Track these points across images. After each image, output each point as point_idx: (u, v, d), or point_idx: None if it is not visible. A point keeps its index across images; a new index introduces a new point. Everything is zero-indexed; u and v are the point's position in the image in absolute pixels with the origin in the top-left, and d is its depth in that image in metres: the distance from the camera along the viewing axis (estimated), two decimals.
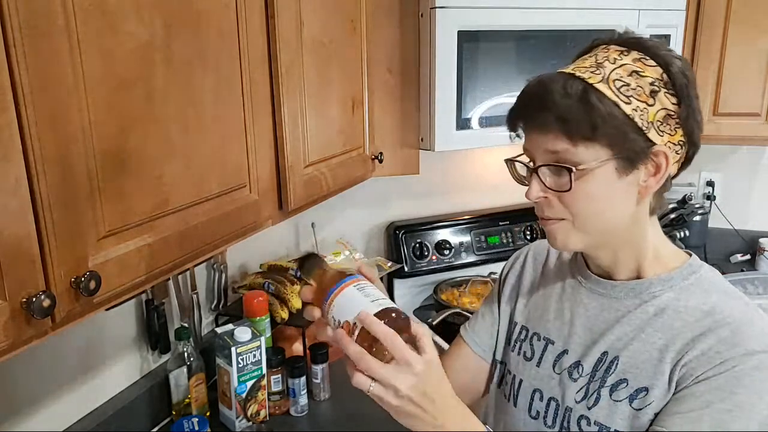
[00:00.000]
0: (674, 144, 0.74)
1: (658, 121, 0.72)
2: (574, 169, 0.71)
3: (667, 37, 1.83)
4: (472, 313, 1.67)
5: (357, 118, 1.42)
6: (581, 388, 0.80)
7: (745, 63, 1.93)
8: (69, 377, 1.21)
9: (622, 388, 0.77)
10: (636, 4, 1.74)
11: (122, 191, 0.74)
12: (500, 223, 2.16)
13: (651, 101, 0.71)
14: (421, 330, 0.70)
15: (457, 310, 1.85)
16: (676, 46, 1.86)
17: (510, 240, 2.15)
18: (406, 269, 2.03)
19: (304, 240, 1.93)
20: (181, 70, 0.83)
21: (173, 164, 0.83)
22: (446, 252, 2.08)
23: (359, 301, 0.68)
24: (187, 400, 1.41)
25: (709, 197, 2.32)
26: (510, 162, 0.82)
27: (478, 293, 2.02)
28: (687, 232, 2.18)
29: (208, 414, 1.43)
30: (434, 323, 1.83)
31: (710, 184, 2.33)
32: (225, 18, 0.92)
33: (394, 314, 0.67)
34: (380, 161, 1.55)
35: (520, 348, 0.91)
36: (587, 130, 0.70)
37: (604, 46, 0.76)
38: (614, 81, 0.71)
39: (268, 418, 1.41)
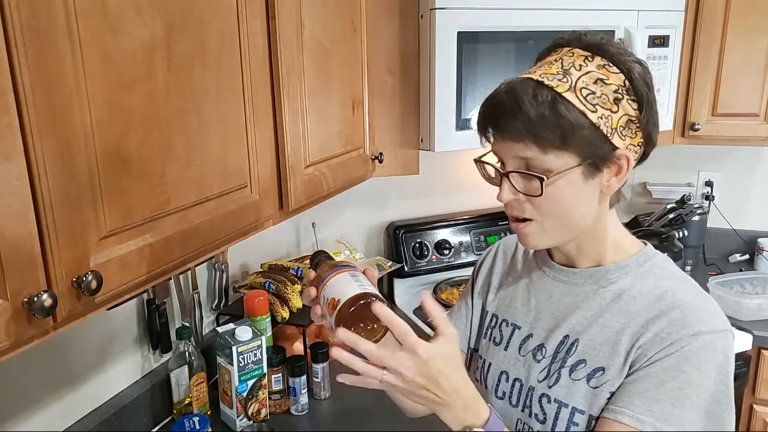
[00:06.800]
0: (634, 146, 0.78)
1: (620, 126, 0.76)
2: (545, 178, 0.75)
3: (666, 38, 1.84)
4: None
5: (357, 118, 1.43)
6: (544, 369, 0.85)
7: (743, 63, 1.93)
8: (70, 376, 1.21)
9: (581, 368, 0.81)
10: (635, 4, 1.74)
11: (123, 191, 0.75)
12: (499, 223, 2.16)
13: (615, 108, 0.75)
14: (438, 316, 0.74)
15: None
16: (675, 46, 1.87)
17: None
18: (406, 269, 2.04)
19: (305, 240, 1.94)
20: (182, 71, 0.83)
21: (174, 164, 0.83)
22: (446, 252, 2.08)
23: (348, 284, 0.74)
24: (188, 399, 1.41)
25: (708, 197, 2.32)
26: (479, 162, 0.85)
27: None
28: (686, 232, 2.18)
29: (209, 413, 1.43)
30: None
31: (709, 184, 2.33)
32: (226, 19, 0.92)
33: (374, 298, 0.72)
34: (380, 161, 1.56)
35: (490, 335, 0.96)
36: (557, 139, 0.74)
37: (569, 49, 0.79)
38: (581, 89, 0.74)
39: (268, 417, 1.42)
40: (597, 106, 0.74)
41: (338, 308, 0.72)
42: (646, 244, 0.87)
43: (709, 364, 0.73)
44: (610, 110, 0.75)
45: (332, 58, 1.27)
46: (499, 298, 0.98)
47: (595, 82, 0.75)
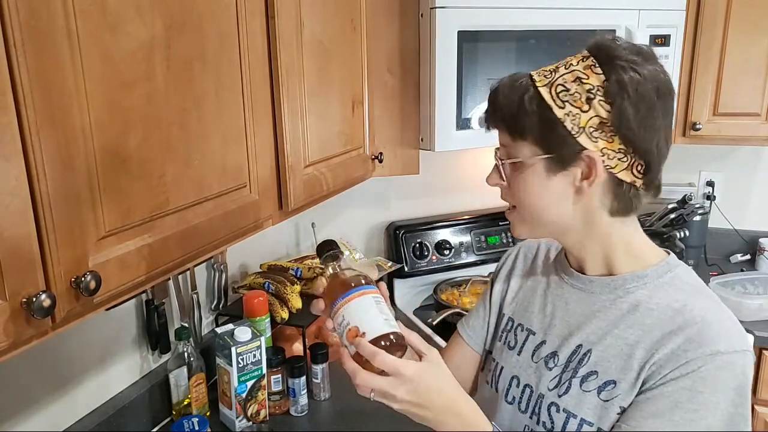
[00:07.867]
0: (614, 151, 0.75)
1: (591, 127, 0.75)
2: (507, 161, 0.82)
3: (667, 37, 1.83)
4: None
5: (357, 118, 1.42)
6: (555, 377, 0.84)
7: (744, 63, 1.93)
8: (69, 377, 1.21)
9: (592, 380, 0.80)
10: (636, 4, 1.74)
11: (122, 191, 0.74)
12: (500, 223, 2.16)
13: (586, 107, 0.75)
14: (416, 340, 0.76)
15: (457, 310, 1.85)
16: (676, 46, 1.86)
17: (510, 240, 2.15)
18: (406, 269, 2.03)
19: (304, 240, 1.94)
20: (182, 71, 0.83)
21: (173, 164, 0.83)
22: (446, 252, 2.08)
23: (374, 315, 0.74)
24: (187, 400, 1.41)
25: (709, 197, 2.32)
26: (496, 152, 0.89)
27: (477, 293, 2.02)
28: (687, 232, 2.18)
29: (208, 414, 1.43)
30: (434, 323, 1.83)
31: (710, 184, 2.33)
32: (225, 19, 0.92)
33: (393, 336, 0.73)
34: (380, 161, 1.55)
35: (505, 338, 0.95)
36: (517, 129, 0.79)
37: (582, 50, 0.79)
38: (557, 86, 0.76)
39: (268, 418, 1.41)
40: (566, 103, 0.75)
41: (356, 351, 0.73)
42: (669, 253, 0.85)
43: (726, 385, 0.71)
44: (580, 109, 0.74)
45: (332, 57, 1.27)
46: (516, 301, 0.97)
47: (574, 80, 0.75)
